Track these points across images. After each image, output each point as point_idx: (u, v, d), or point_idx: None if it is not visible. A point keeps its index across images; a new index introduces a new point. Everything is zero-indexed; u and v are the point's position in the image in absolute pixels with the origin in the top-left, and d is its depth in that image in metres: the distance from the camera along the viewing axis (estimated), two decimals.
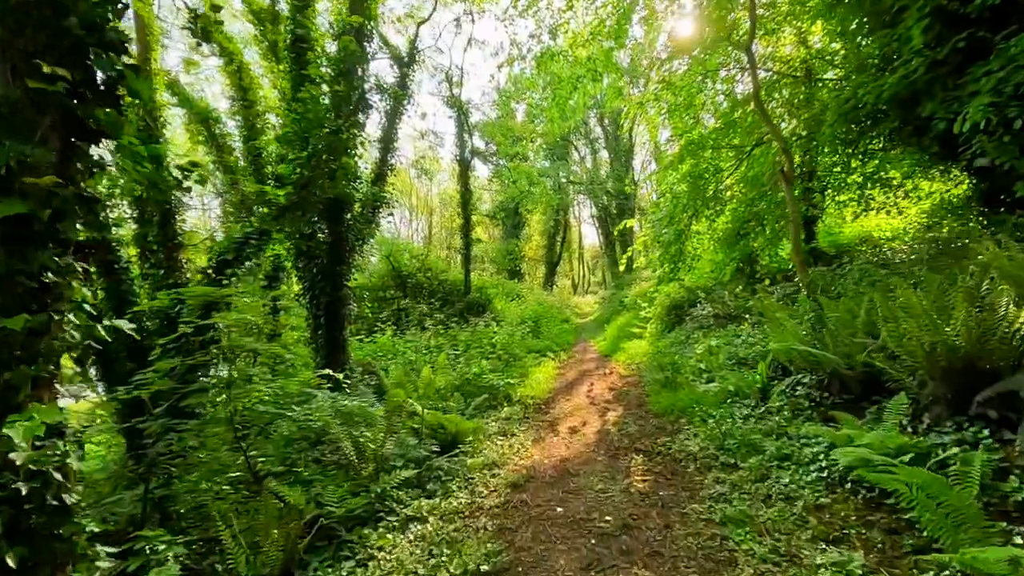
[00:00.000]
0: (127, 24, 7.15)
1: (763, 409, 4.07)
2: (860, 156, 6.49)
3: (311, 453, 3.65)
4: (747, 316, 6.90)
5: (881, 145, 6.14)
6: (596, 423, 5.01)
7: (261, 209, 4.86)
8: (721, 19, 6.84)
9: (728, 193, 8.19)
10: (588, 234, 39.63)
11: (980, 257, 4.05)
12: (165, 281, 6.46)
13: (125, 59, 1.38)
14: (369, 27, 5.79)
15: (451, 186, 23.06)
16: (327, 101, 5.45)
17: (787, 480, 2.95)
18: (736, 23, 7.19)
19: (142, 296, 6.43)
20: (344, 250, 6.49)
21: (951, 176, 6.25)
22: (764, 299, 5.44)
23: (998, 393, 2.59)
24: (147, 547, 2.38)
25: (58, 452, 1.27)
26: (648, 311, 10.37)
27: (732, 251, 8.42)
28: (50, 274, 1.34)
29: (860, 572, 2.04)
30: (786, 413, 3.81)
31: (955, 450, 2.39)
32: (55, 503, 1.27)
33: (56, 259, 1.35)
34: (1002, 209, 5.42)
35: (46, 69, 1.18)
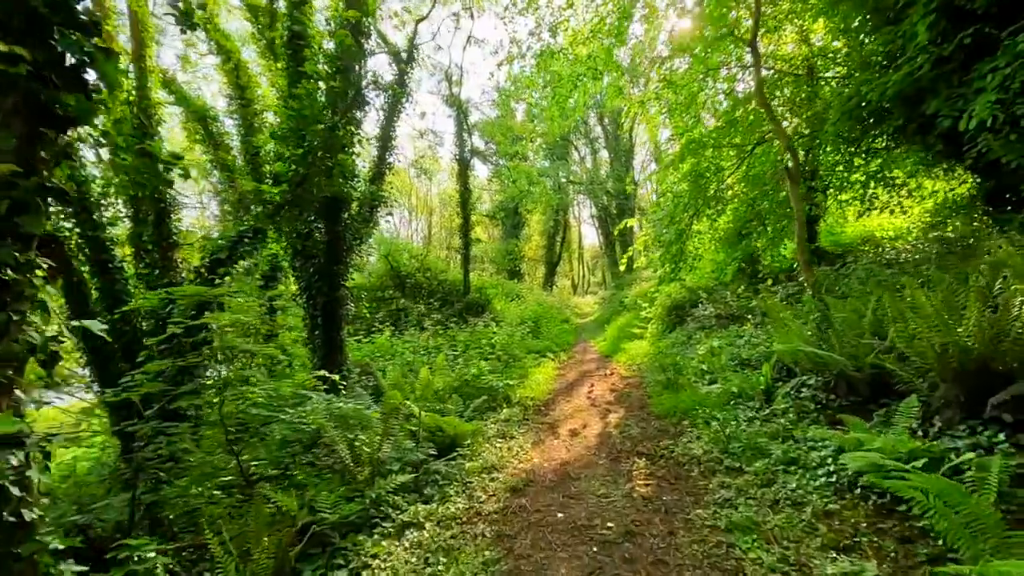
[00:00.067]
0: (122, 23, 7.08)
1: (768, 411, 3.98)
2: (863, 154, 6.42)
3: (305, 456, 3.56)
4: (749, 316, 6.82)
5: (884, 143, 6.08)
6: (597, 425, 4.93)
7: (256, 208, 4.78)
8: (723, 17, 6.78)
9: (729, 192, 8.12)
10: (588, 234, 39.60)
11: (989, 256, 3.98)
12: (160, 281, 6.37)
13: (96, 41, 1.29)
14: (367, 23, 5.71)
15: (450, 186, 22.96)
16: (323, 98, 5.38)
17: (794, 485, 2.87)
18: (738, 21, 7.12)
19: (137, 296, 6.35)
20: (342, 249, 6.40)
21: (955, 175, 6.19)
22: (767, 299, 5.36)
23: (1013, 396, 2.51)
24: (133, 555, 2.30)
25: (16, 464, 1.17)
26: (649, 311, 10.29)
27: (734, 251, 8.35)
28: (9, 271, 1.24)
29: None
30: (791, 415, 3.72)
31: (970, 455, 2.31)
32: (12, 520, 1.17)
33: (16, 255, 1.25)
34: (1008, 208, 5.34)
35: (2, 48, 1.09)
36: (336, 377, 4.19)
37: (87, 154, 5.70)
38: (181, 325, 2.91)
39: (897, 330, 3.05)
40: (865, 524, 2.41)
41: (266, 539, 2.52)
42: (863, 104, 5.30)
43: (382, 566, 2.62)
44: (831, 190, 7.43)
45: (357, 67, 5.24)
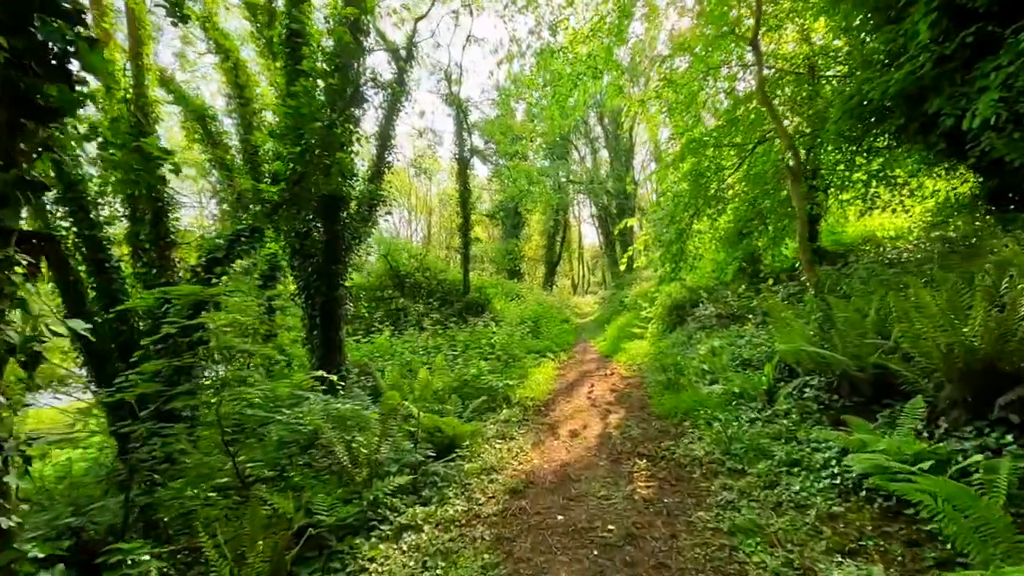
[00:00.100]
0: (120, 22, 7.03)
1: (770, 412, 3.94)
2: (865, 153, 6.39)
3: (302, 458, 3.52)
4: (751, 316, 6.78)
5: (886, 142, 6.04)
6: (597, 426, 4.89)
7: (255, 207, 4.74)
8: (723, 16, 6.74)
9: (730, 192, 8.08)
10: (588, 234, 39.58)
11: (993, 255, 3.94)
12: (157, 280, 6.33)
13: (80, 30, 1.25)
14: (365, 21, 5.67)
15: (450, 185, 22.95)
16: (322, 96, 5.33)
17: (798, 487, 2.83)
18: (738, 19, 7.09)
19: (133, 296, 6.31)
20: (340, 249, 6.36)
21: (957, 174, 6.15)
22: (769, 299, 5.32)
23: (1020, 396, 2.47)
24: (127, 559, 2.25)
25: None
26: (649, 311, 10.25)
27: (734, 250, 8.32)
28: None
29: None
30: (794, 416, 3.68)
31: (978, 457, 2.27)
32: None
33: None
34: (1012, 207, 5.31)
35: None
36: (334, 377, 4.14)
37: (86, 152, 5.65)
38: (176, 325, 2.87)
39: (902, 330, 3.01)
40: (871, 527, 2.38)
41: (261, 542, 2.48)
42: (864, 103, 5.26)
43: (379, 570, 2.58)
44: (832, 189, 7.40)
45: (356, 65, 5.20)
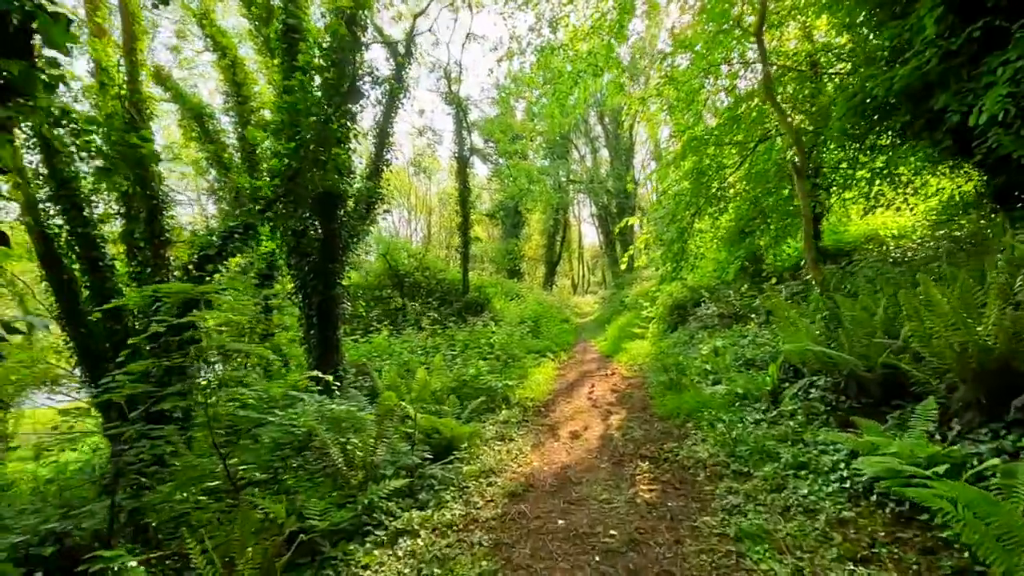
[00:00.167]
0: (113, 17, 6.94)
1: (775, 413, 3.86)
2: (868, 151, 6.31)
3: (296, 460, 3.43)
4: (753, 316, 6.69)
5: (890, 140, 5.96)
6: (598, 427, 4.80)
7: (249, 203, 4.65)
8: (724, 13, 6.66)
9: (731, 191, 8.00)
10: (588, 233, 39.52)
11: (1002, 253, 3.86)
12: (152, 279, 6.24)
13: (42, 1, 1.16)
14: (363, 16, 5.58)
15: (450, 185, 22.87)
16: (319, 92, 5.25)
17: (806, 491, 2.74)
18: (740, 16, 7.01)
19: (128, 294, 6.22)
20: (337, 247, 6.28)
21: (962, 172, 6.07)
22: (773, 298, 5.24)
23: None
24: (112, 567, 2.17)
25: None
26: (650, 311, 10.17)
27: (736, 249, 8.24)
28: None
29: None
30: (800, 417, 3.60)
31: (995, 461, 2.18)
32: None
33: None
34: (1019, 205, 5.22)
35: None
36: (329, 377, 4.05)
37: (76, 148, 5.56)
38: (165, 324, 2.78)
39: (912, 328, 2.92)
40: (883, 533, 2.29)
41: (251, 548, 2.40)
42: (868, 99, 5.19)
43: None
44: (835, 188, 7.32)
45: (352, 59, 5.11)
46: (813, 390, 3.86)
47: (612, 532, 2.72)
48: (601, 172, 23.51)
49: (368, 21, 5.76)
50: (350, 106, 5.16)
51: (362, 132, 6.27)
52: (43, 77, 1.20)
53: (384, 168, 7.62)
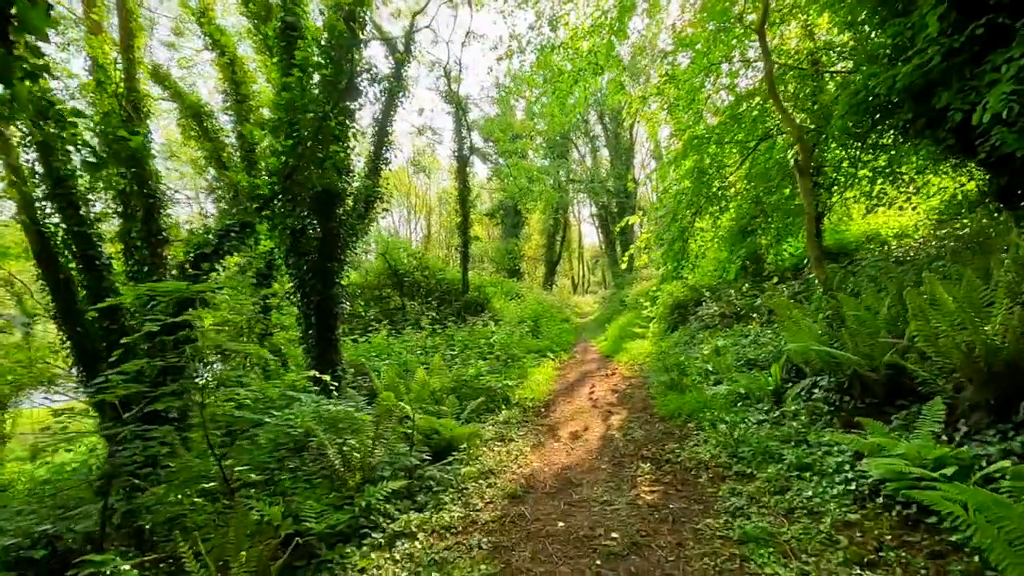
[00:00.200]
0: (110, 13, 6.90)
1: (778, 413, 3.81)
2: (870, 150, 6.27)
3: (292, 461, 3.38)
4: (755, 315, 6.65)
5: (892, 139, 5.92)
6: (599, 428, 4.76)
7: (248, 202, 4.60)
8: (725, 11, 6.62)
9: (732, 190, 7.96)
10: (588, 233, 39.48)
11: (1007, 252, 3.81)
12: (149, 279, 6.20)
13: None
14: (361, 12, 5.53)
15: (450, 184, 22.82)
16: (317, 89, 5.20)
17: (810, 493, 2.70)
18: (742, 13, 6.97)
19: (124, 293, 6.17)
20: (336, 246, 6.23)
21: (964, 170, 6.03)
22: (775, 297, 5.19)
23: None
24: (103, 571, 2.12)
25: None
26: (651, 310, 10.12)
27: (738, 248, 8.20)
28: None
29: None
30: (803, 418, 3.55)
31: (1005, 463, 2.13)
32: None
33: None
34: (1023, 204, 5.17)
35: None
36: (327, 377, 4.01)
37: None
38: (158, 323, 2.73)
39: (918, 328, 2.87)
40: (890, 537, 2.24)
41: (246, 552, 2.35)
42: (870, 98, 5.15)
43: None
44: (836, 187, 7.28)
45: (350, 56, 5.06)
46: (816, 390, 3.82)
47: (613, 535, 2.67)
48: (601, 172, 23.47)
49: (367, 18, 5.72)
50: (348, 104, 5.11)
51: (360, 130, 6.22)
52: (24, 66, 1.15)
53: (383, 167, 7.57)
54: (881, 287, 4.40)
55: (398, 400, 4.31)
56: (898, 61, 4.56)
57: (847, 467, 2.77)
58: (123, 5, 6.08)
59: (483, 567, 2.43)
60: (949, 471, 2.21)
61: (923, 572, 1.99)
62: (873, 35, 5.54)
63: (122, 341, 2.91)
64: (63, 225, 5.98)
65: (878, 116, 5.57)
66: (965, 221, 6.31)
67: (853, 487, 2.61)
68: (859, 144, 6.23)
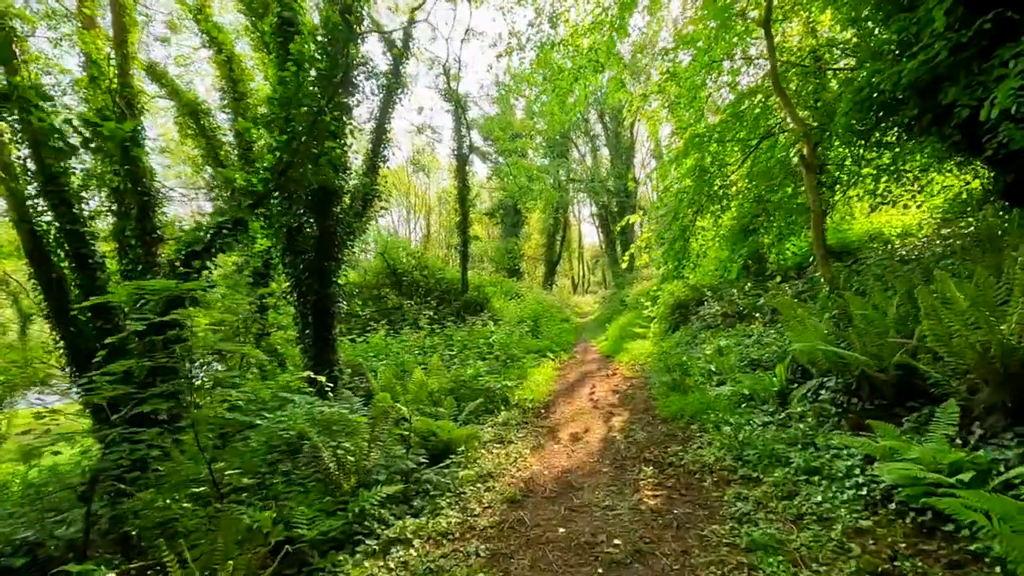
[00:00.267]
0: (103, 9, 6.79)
1: (783, 415, 3.73)
2: (874, 148, 6.19)
3: (286, 465, 3.29)
4: (758, 315, 6.56)
5: (896, 136, 5.84)
6: (600, 429, 4.66)
7: (242, 199, 4.51)
8: (727, 8, 6.53)
9: (734, 188, 7.88)
10: (588, 233, 39.41)
11: (1017, 249, 3.72)
12: (143, 277, 6.09)
13: None
14: (358, 6, 5.44)
15: (449, 184, 22.75)
16: (314, 87, 5.11)
17: (819, 498, 2.61)
18: (744, 10, 6.89)
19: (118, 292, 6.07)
20: (333, 245, 6.14)
21: (969, 168, 5.95)
22: (779, 296, 5.10)
23: None
24: None
25: None
26: (651, 310, 10.04)
27: (740, 247, 8.12)
28: None
29: None
30: (810, 420, 3.46)
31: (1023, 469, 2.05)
32: None
33: None
34: None
35: None
36: (322, 378, 3.91)
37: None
38: (145, 322, 2.64)
39: (930, 327, 2.78)
40: (904, 545, 2.15)
41: (233, 560, 2.26)
42: (875, 94, 5.07)
43: None
44: (839, 185, 7.20)
45: (345, 49, 4.96)
46: (823, 391, 3.73)
47: (616, 541, 2.58)
48: (601, 171, 23.39)
49: (364, 12, 5.62)
50: (344, 99, 5.02)
51: (358, 127, 6.12)
52: None
53: (381, 165, 7.48)
54: (888, 286, 4.31)
55: (395, 401, 4.22)
56: (903, 57, 4.48)
57: (857, 471, 2.68)
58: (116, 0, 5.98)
59: None
60: (966, 477, 2.12)
61: None
62: (877, 31, 5.47)
63: (106, 341, 2.82)
64: (55, 223, 5.89)
65: (882, 113, 5.50)
66: (970, 220, 6.24)
67: (864, 492, 2.52)
68: (863, 142, 6.16)
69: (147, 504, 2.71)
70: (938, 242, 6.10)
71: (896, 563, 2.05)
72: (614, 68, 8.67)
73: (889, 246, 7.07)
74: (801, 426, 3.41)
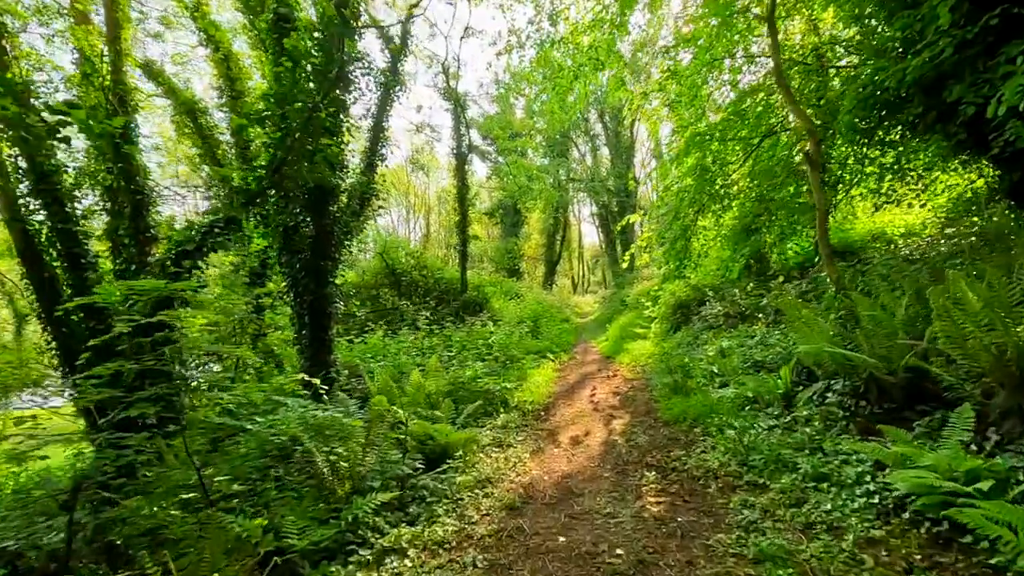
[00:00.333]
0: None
1: (789, 418, 3.63)
2: (877, 147, 6.10)
3: (278, 470, 3.20)
4: (760, 315, 6.47)
5: (900, 134, 5.76)
6: (601, 432, 4.57)
7: (235, 196, 4.42)
8: (728, 5, 6.45)
9: (735, 188, 7.80)
10: (588, 233, 39.34)
11: None
12: (136, 277, 6.00)
13: None
14: (354, 2, 5.34)
15: (449, 183, 22.66)
16: (311, 84, 5.02)
17: (829, 506, 2.51)
18: (746, 6, 6.80)
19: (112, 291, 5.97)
20: (330, 244, 6.04)
21: (974, 167, 5.87)
22: (783, 296, 5.01)
23: None
24: None
25: None
26: (652, 310, 9.95)
27: (741, 247, 8.03)
28: None
29: None
30: (817, 424, 3.37)
31: None
32: None
33: None
34: None
35: None
36: (317, 381, 3.82)
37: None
38: (131, 323, 2.55)
39: (943, 328, 2.70)
40: (919, 556, 2.06)
41: (219, 573, 2.16)
42: (878, 93, 4.98)
43: None
44: (842, 185, 7.12)
45: (341, 44, 4.87)
46: (829, 394, 3.64)
47: (618, 551, 2.49)
48: (601, 170, 23.32)
49: (361, 8, 5.53)
50: (340, 95, 4.92)
51: (355, 125, 6.03)
52: None
53: (379, 163, 7.39)
54: (896, 286, 4.22)
55: (392, 404, 4.13)
56: (907, 54, 4.40)
57: (868, 478, 2.59)
58: None
59: None
60: (985, 486, 2.03)
61: None
62: (880, 28, 5.38)
63: (89, 343, 2.72)
64: (48, 222, 5.80)
65: (885, 111, 5.41)
66: (975, 219, 6.15)
67: (876, 500, 2.43)
68: (866, 140, 6.07)
69: (133, 511, 2.62)
70: (943, 242, 6.02)
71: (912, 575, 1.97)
72: (614, 66, 8.58)
73: (892, 246, 6.99)
74: (808, 430, 3.32)
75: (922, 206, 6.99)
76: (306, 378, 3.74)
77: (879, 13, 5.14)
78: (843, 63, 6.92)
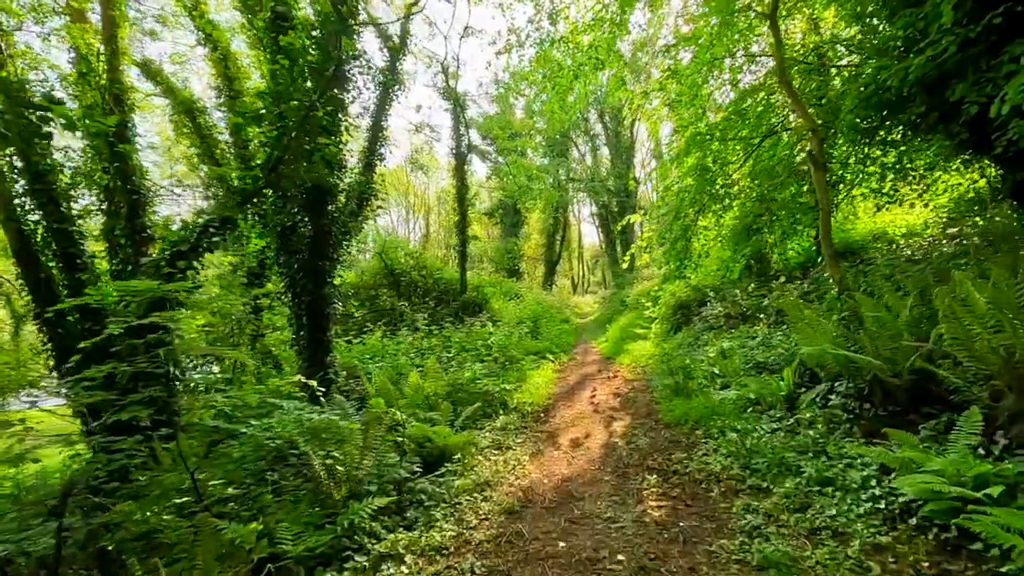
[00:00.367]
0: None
1: (792, 421, 3.59)
2: (879, 146, 6.07)
3: (274, 474, 3.15)
4: (762, 316, 6.42)
5: (902, 134, 5.73)
6: (601, 435, 4.53)
7: (233, 195, 4.37)
8: (729, 4, 6.41)
9: (736, 187, 7.76)
10: (588, 233, 39.32)
11: None
12: (132, 278, 5.95)
13: None
14: (354, 0, 5.30)
15: (448, 183, 22.63)
16: (309, 83, 4.98)
17: (833, 511, 2.47)
18: (749, 3, 6.77)
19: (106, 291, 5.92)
20: (328, 244, 6.00)
21: (976, 167, 5.84)
22: (785, 297, 4.97)
23: None
24: None
25: None
26: (652, 311, 9.90)
27: (742, 247, 7.99)
28: None
29: None
30: (820, 426, 3.33)
31: None
32: None
33: None
34: None
35: None
36: (314, 383, 3.77)
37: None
38: (123, 325, 2.50)
39: (950, 330, 2.65)
40: (927, 563, 2.02)
41: None
42: (880, 92, 4.94)
43: None
44: (843, 184, 7.08)
45: (338, 42, 4.82)
46: (833, 396, 3.59)
47: (619, 557, 2.44)
48: (601, 170, 23.28)
49: (358, 5, 5.48)
50: (338, 94, 4.88)
51: (353, 124, 5.98)
52: None
53: (378, 163, 7.34)
54: (899, 287, 4.18)
55: (390, 406, 4.09)
56: (909, 53, 4.36)
57: (873, 482, 2.54)
58: None
59: None
60: (994, 491, 1.98)
61: None
62: (882, 27, 5.35)
63: (80, 345, 2.68)
64: (43, 222, 5.75)
65: (887, 111, 5.37)
66: (977, 219, 6.11)
67: (882, 505, 2.39)
68: (868, 140, 6.03)
69: (126, 516, 2.57)
70: (945, 242, 5.98)
71: None
72: (614, 66, 8.54)
73: (894, 246, 6.94)
74: (811, 433, 3.27)
75: (925, 206, 6.95)
76: (303, 380, 3.69)
77: (881, 12, 5.11)
78: (844, 62, 6.88)
